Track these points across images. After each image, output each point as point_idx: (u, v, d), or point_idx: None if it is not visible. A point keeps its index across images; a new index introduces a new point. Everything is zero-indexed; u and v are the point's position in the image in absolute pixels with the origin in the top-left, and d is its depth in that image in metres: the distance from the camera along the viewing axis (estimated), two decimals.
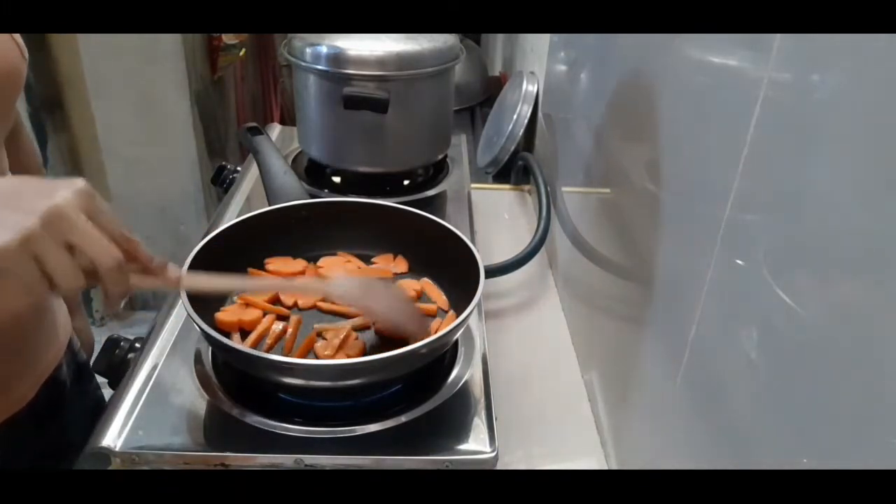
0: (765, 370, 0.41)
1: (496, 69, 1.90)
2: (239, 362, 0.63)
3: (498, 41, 1.97)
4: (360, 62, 0.93)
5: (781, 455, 0.39)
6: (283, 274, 0.76)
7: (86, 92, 1.89)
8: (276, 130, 1.21)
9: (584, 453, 0.72)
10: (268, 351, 0.67)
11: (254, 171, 1.02)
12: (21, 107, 0.77)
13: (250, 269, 0.75)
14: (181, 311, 0.73)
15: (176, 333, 0.71)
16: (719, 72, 0.50)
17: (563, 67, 1.04)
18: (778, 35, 0.40)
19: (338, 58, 0.93)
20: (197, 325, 0.60)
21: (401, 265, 0.80)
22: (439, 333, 0.60)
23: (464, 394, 0.66)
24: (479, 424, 0.62)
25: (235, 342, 0.65)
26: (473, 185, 1.13)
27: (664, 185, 0.59)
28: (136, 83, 1.91)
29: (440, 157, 1.10)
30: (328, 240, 0.81)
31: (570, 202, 0.94)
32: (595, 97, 0.83)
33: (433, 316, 0.73)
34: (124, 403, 0.62)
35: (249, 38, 2.38)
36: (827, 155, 0.36)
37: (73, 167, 2.00)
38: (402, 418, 0.63)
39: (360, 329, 0.70)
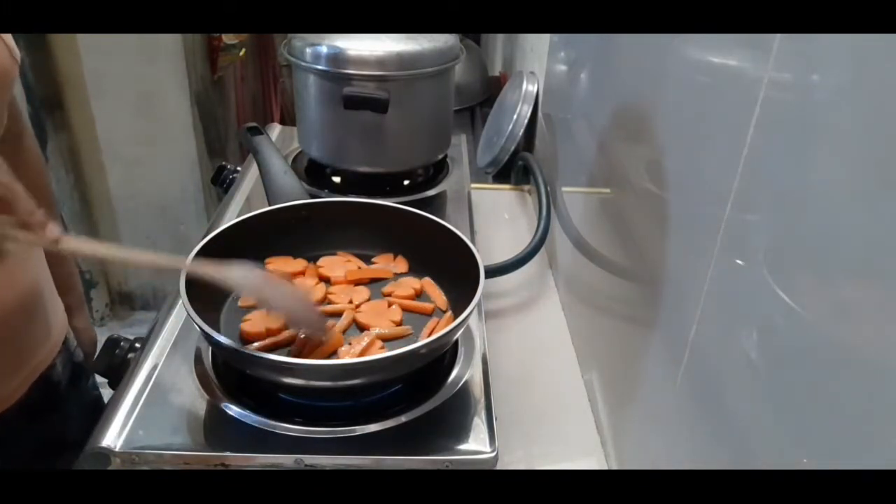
0: (765, 370, 0.41)
1: (496, 69, 1.90)
2: (239, 362, 0.63)
3: (498, 41, 1.97)
4: (360, 62, 0.93)
5: (781, 455, 0.39)
6: (283, 274, 0.76)
7: (86, 92, 1.89)
8: (276, 130, 1.21)
9: (584, 453, 0.72)
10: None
11: (254, 171, 1.02)
12: (21, 107, 0.77)
13: None
14: (181, 311, 0.73)
15: (176, 333, 0.71)
16: (719, 72, 0.50)
17: (563, 67, 1.04)
18: (778, 35, 0.40)
19: (338, 58, 0.93)
20: (197, 325, 0.60)
21: (401, 265, 0.80)
22: (439, 333, 0.60)
23: (464, 394, 0.66)
24: (479, 424, 0.62)
25: (235, 342, 0.65)
26: (473, 185, 1.13)
27: (664, 185, 0.59)
28: (136, 83, 1.91)
29: (440, 157, 1.10)
30: (328, 240, 0.81)
31: (570, 202, 0.94)
32: (595, 97, 0.83)
33: (429, 314, 0.73)
34: (124, 403, 0.62)
35: (249, 38, 2.38)
36: (827, 155, 0.36)
37: (73, 167, 2.00)
38: (402, 418, 0.63)
39: (387, 340, 0.69)
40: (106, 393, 0.72)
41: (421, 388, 0.66)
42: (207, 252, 0.68)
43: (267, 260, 0.77)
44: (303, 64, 0.96)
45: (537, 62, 1.24)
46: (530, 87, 1.24)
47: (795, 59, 0.39)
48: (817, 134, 0.37)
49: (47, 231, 0.51)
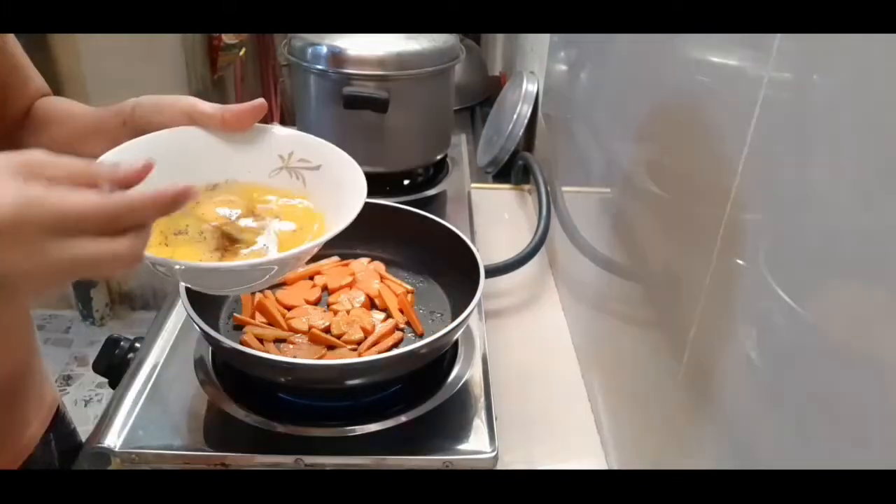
0: (765, 370, 0.41)
1: (496, 69, 1.90)
2: (239, 362, 0.63)
3: (498, 41, 1.97)
4: (360, 62, 0.93)
5: (781, 455, 0.39)
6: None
7: (86, 92, 1.89)
8: None
9: (584, 453, 0.72)
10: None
11: None
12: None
13: None
14: (181, 310, 0.73)
15: (176, 333, 0.71)
16: (719, 72, 0.50)
17: (563, 67, 1.04)
18: (778, 35, 0.40)
19: (338, 58, 0.93)
20: (197, 324, 0.60)
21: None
22: (439, 333, 0.60)
23: (464, 394, 0.66)
24: (479, 424, 0.62)
25: (234, 342, 0.65)
26: (473, 185, 1.13)
27: (664, 185, 0.59)
28: (136, 83, 1.90)
29: (440, 157, 1.10)
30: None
31: (570, 202, 0.94)
32: (595, 97, 0.83)
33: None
34: (124, 403, 0.62)
35: (249, 38, 2.38)
36: (827, 155, 0.36)
37: None
38: (402, 418, 0.63)
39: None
40: (106, 393, 0.72)
41: (421, 388, 0.66)
42: None
43: None
44: (303, 64, 0.96)
45: (537, 62, 1.24)
46: (530, 87, 1.23)
47: (795, 59, 0.39)
48: (817, 134, 0.37)
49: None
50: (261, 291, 0.73)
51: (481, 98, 1.69)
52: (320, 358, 0.65)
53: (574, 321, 0.89)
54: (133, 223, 0.38)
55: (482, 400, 0.65)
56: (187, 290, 0.63)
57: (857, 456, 0.32)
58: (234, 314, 0.71)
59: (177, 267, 0.47)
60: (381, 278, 0.77)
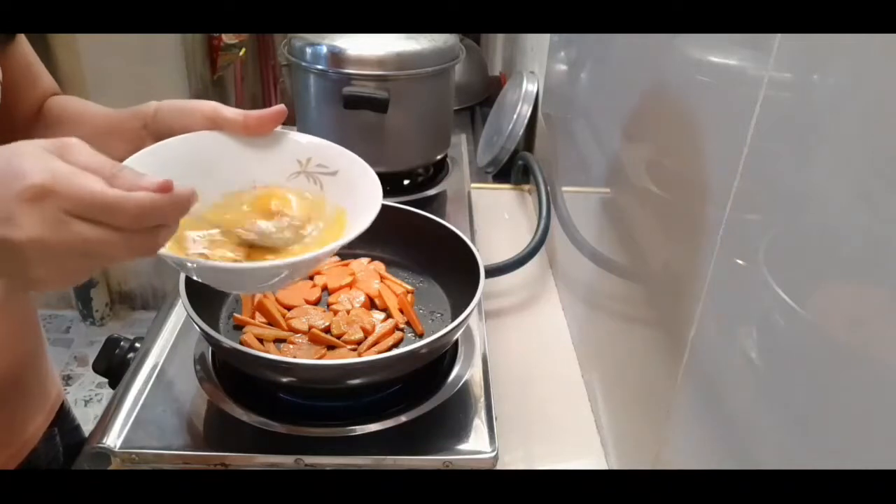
0: (765, 370, 0.41)
1: (496, 69, 1.90)
2: (239, 362, 0.63)
3: (498, 41, 1.97)
4: (360, 62, 0.93)
5: (781, 455, 0.39)
6: None
7: (86, 92, 1.89)
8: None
9: (584, 453, 0.72)
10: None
11: None
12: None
13: None
14: (181, 310, 0.73)
15: (176, 333, 0.71)
16: (719, 72, 0.50)
17: (563, 67, 1.04)
18: (778, 35, 0.40)
19: (338, 58, 0.93)
20: (197, 324, 0.60)
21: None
22: (439, 333, 0.60)
23: (464, 394, 0.66)
24: (479, 424, 0.62)
25: (234, 342, 0.65)
26: (473, 185, 1.13)
27: (664, 184, 0.59)
28: (136, 83, 1.91)
29: (440, 156, 1.10)
30: None
31: (570, 202, 0.94)
32: (595, 97, 0.83)
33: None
34: (124, 403, 0.62)
35: (249, 38, 2.38)
36: (827, 155, 0.36)
37: None
38: (402, 418, 0.63)
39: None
40: (106, 393, 0.72)
41: (421, 388, 0.66)
42: None
43: None
44: (303, 64, 0.96)
45: (537, 62, 1.24)
46: (530, 87, 1.23)
47: (795, 59, 0.39)
48: (817, 134, 0.37)
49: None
50: (272, 290, 0.73)
51: (481, 98, 1.69)
52: (320, 358, 0.65)
53: (574, 321, 0.89)
54: (151, 223, 0.39)
55: (482, 400, 0.65)
56: (187, 290, 0.63)
57: (857, 456, 0.32)
58: (234, 314, 0.71)
59: (190, 265, 0.48)
60: (381, 278, 0.77)
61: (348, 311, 0.72)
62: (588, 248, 0.83)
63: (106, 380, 0.72)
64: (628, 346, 0.68)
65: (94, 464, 0.58)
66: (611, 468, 0.69)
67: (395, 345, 0.69)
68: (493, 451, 0.60)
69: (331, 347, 0.67)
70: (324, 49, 0.94)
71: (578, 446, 0.73)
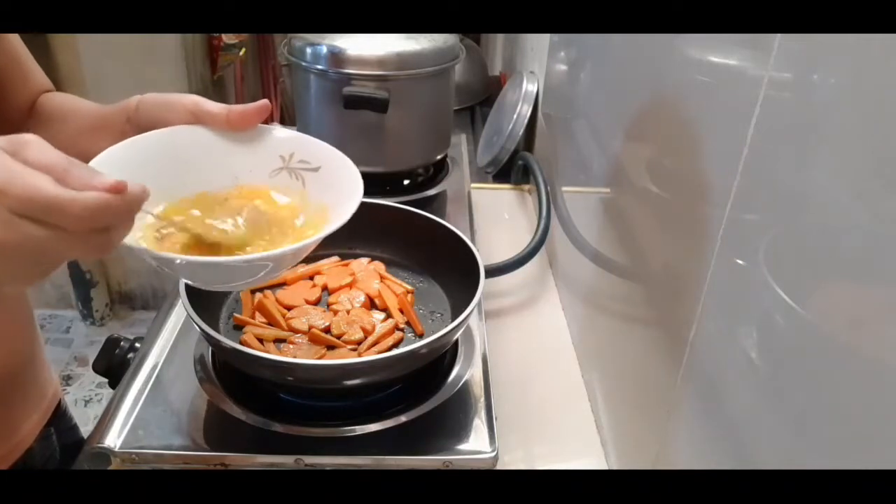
0: (765, 370, 0.41)
1: (496, 69, 1.90)
2: (239, 362, 0.63)
3: (498, 41, 1.97)
4: (360, 62, 0.93)
5: (781, 455, 0.39)
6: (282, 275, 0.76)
7: (85, 92, 1.89)
8: None
9: (584, 453, 0.72)
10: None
11: None
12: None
13: None
14: (181, 310, 0.73)
15: (176, 333, 0.71)
16: (719, 72, 0.50)
17: (563, 67, 1.04)
18: (778, 35, 0.40)
19: (338, 58, 0.93)
20: (197, 324, 0.60)
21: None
22: (439, 333, 0.60)
23: (464, 394, 0.66)
24: (479, 424, 0.62)
25: (234, 342, 0.65)
26: (473, 185, 1.13)
27: (664, 184, 0.59)
28: (136, 83, 1.91)
29: (440, 157, 1.10)
30: (327, 239, 0.80)
31: (570, 202, 0.94)
32: (595, 97, 0.83)
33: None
34: (124, 403, 0.62)
35: (249, 38, 2.38)
36: (827, 155, 0.36)
37: None
38: (402, 418, 0.63)
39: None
40: (106, 393, 0.72)
41: (421, 388, 0.66)
42: None
43: None
44: (303, 64, 0.96)
45: (537, 62, 1.24)
46: (530, 87, 1.23)
47: (795, 59, 0.39)
48: (817, 133, 0.37)
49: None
50: (261, 291, 0.73)
51: (481, 98, 1.69)
52: (320, 358, 0.65)
53: (574, 321, 0.89)
54: (100, 224, 0.38)
55: (482, 400, 0.65)
56: (187, 290, 0.63)
57: (857, 456, 0.32)
58: (234, 314, 0.71)
59: (177, 262, 0.47)
60: (381, 278, 0.77)
61: (348, 311, 0.72)
62: (588, 248, 0.83)
63: (106, 380, 0.72)
64: (628, 346, 0.68)
65: (93, 464, 0.58)
66: (611, 468, 0.69)
67: (395, 345, 0.69)
68: (493, 451, 0.60)
69: (331, 347, 0.67)
70: (324, 49, 0.94)
71: (578, 446, 0.73)
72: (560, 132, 1.04)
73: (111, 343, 0.72)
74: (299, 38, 0.97)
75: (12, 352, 0.67)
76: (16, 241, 0.36)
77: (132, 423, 0.61)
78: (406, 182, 1.07)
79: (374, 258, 0.80)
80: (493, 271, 0.90)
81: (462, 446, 0.60)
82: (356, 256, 0.80)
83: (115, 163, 0.47)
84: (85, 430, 0.75)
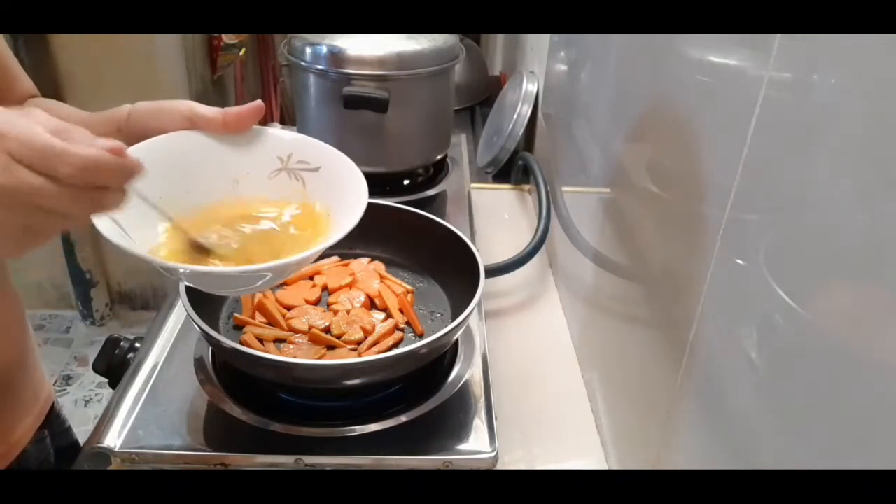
0: (765, 370, 0.41)
1: (496, 69, 1.90)
2: (239, 362, 0.63)
3: (498, 41, 1.97)
4: (360, 62, 0.93)
5: (782, 455, 0.39)
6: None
7: (85, 92, 1.89)
8: None
9: (584, 453, 0.72)
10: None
11: None
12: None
13: None
14: (181, 310, 0.73)
15: (176, 333, 0.71)
16: (719, 72, 0.50)
17: (563, 67, 1.04)
18: (778, 35, 0.40)
19: (338, 58, 0.93)
20: (196, 324, 0.60)
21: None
22: (439, 333, 0.60)
23: (464, 394, 0.66)
24: (479, 424, 0.62)
25: (234, 342, 0.65)
26: (473, 185, 1.13)
27: (664, 184, 0.59)
28: (136, 83, 1.91)
29: (440, 156, 1.10)
30: None
31: (570, 202, 0.94)
32: (595, 97, 0.83)
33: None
34: (124, 403, 0.62)
35: (249, 37, 2.38)
36: (827, 155, 0.36)
37: None
38: (402, 418, 0.63)
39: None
40: (106, 393, 0.72)
41: (421, 388, 0.66)
42: None
43: None
44: (303, 64, 0.96)
45: (537, 62, 1.24)
46: (530, 87, 1.24)
47: (795, 59, 0.39)
48: (817, 134, 0.37)
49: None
50: (261, 291, 0.73)
51: (481, 98, 1.69)
52: (320, 358, 0.65)
53: (574, 321, 0.89)
54: (95, 181, 0.39)
55: (482, 400, 0.65)
56: (187, 290, 0.63)
57: (857, 456, 0.32)
58: (234, 314, 0.71)
59: (182, 270, 0.48)
60: (381, 278, 0.77)
61: (348, 311, 0.72)
62: (588, 248, 0.83)
63: (106, 380, 0.72)
64: (628, 346, 0.68)
65: (93, 464, 0.58)
66: (611, 468, 0.69)
67: (395, 345, 0.69)
68: (493, 451, 0.60)
69: (331, 347, 0.67)
70: (324, 49, 0.94)
71: (578, 446, 0.73)
72: (560, 132, 1.04)
73: (111, 343, 0.72)
74: (299, 38, 0.97)
75: (5, 355, 0.67)
76: (11, 186, 0.37)
77: (132, 423, 0.61)
78: (406, 182, 1.07)
79: (374, 258, 0.80)
80: (493, 271, 0.90)
81: (462, 446, 0.60)
82: (356, 256, 0.80)
83: None
84: (85, 430, 0.75)
